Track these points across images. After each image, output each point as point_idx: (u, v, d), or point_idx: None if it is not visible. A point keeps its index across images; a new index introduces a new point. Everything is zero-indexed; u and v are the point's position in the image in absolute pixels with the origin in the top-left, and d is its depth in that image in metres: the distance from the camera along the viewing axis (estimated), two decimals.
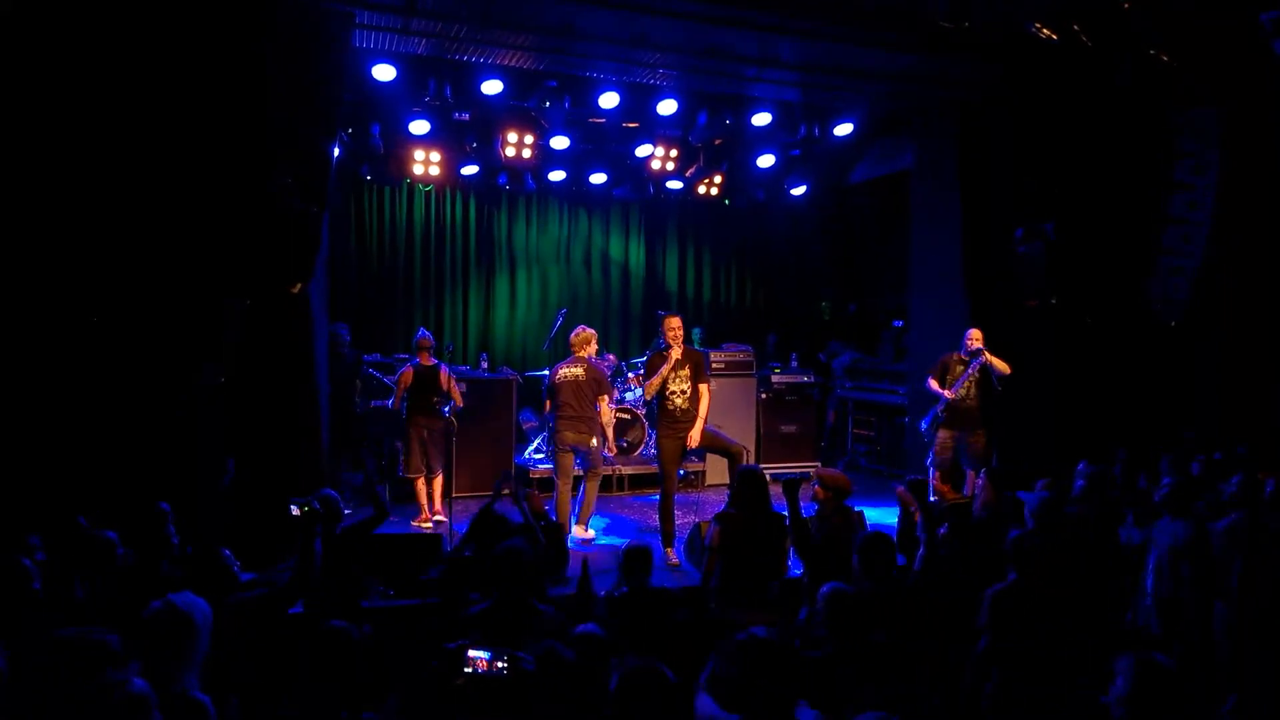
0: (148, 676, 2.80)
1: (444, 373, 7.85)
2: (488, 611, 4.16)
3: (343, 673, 3.10)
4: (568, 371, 7.55)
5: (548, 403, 7.93)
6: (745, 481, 5.56)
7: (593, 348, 7.76)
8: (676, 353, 7.02)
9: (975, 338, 7.71)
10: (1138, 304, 8.30)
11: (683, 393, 7.03)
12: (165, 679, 2.93)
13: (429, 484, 7.98)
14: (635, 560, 4.66)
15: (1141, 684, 2.84)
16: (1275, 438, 6.90)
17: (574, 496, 7.66)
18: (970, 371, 7.68)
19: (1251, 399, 7.48)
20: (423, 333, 8.24)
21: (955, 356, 7.85)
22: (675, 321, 7.19)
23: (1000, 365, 7.61)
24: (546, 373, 8.24)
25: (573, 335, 7.77)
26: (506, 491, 5.72)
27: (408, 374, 7.91)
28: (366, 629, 3.40)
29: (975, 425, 7.74)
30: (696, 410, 7.08)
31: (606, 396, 7.68)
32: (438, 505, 7.98)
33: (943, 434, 7.79)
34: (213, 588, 3.73)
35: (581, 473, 7.74)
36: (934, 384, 7.86)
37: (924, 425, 8.03)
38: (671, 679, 2.98)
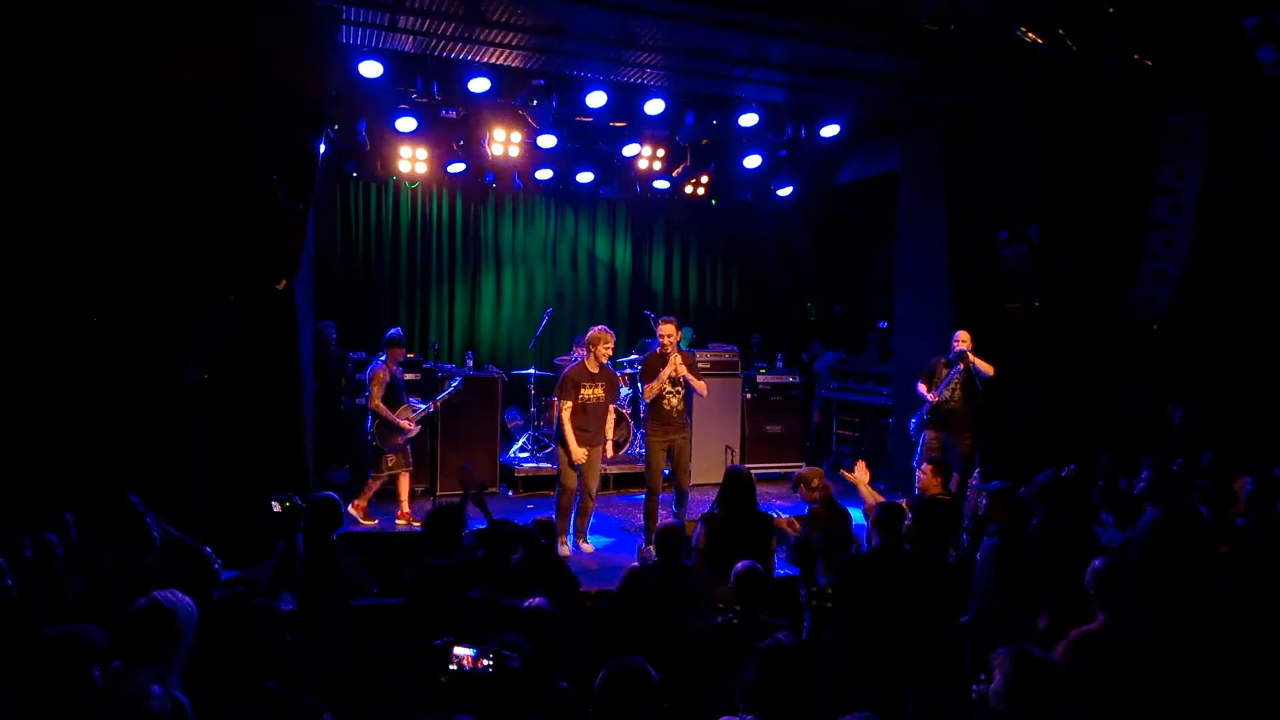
0: (128, 675, 2.78)
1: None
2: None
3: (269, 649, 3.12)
4: None
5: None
6: (731, 482, 5.57)
7: (599, 349, 7.13)
8: (677, 358, 7.07)
9: (961, 339, 7.72)
10: (1121, 307, 8.36)
11: (676, 393, 7.15)
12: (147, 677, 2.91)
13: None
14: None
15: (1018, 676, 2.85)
16: (1263, 437, 6.94)
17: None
18: (952, 376, 7.71)
19: (1240, 401, 7.53)
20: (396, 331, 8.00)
21: (942, 360, 7.90)
22: (670, 328, 7.20)
23: (984, 366, 7.64)
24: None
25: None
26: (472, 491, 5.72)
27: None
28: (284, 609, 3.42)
29: (962, 428, 7.78)
30: (689, 415, 7.32)
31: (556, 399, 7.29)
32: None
33: (929, 434, 7.84)
34: (193, 586, 3.71)
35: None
36: (922, 387, 7.91)
37: (912, 425, 8.10)
38: (655, 678, 2.99)
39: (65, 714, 2.63)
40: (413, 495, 8.02)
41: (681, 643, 4.08)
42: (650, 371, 7.18)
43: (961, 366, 7.65)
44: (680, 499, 7.36)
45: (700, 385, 7.27)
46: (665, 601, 4.61)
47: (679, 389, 7.18)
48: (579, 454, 7.01)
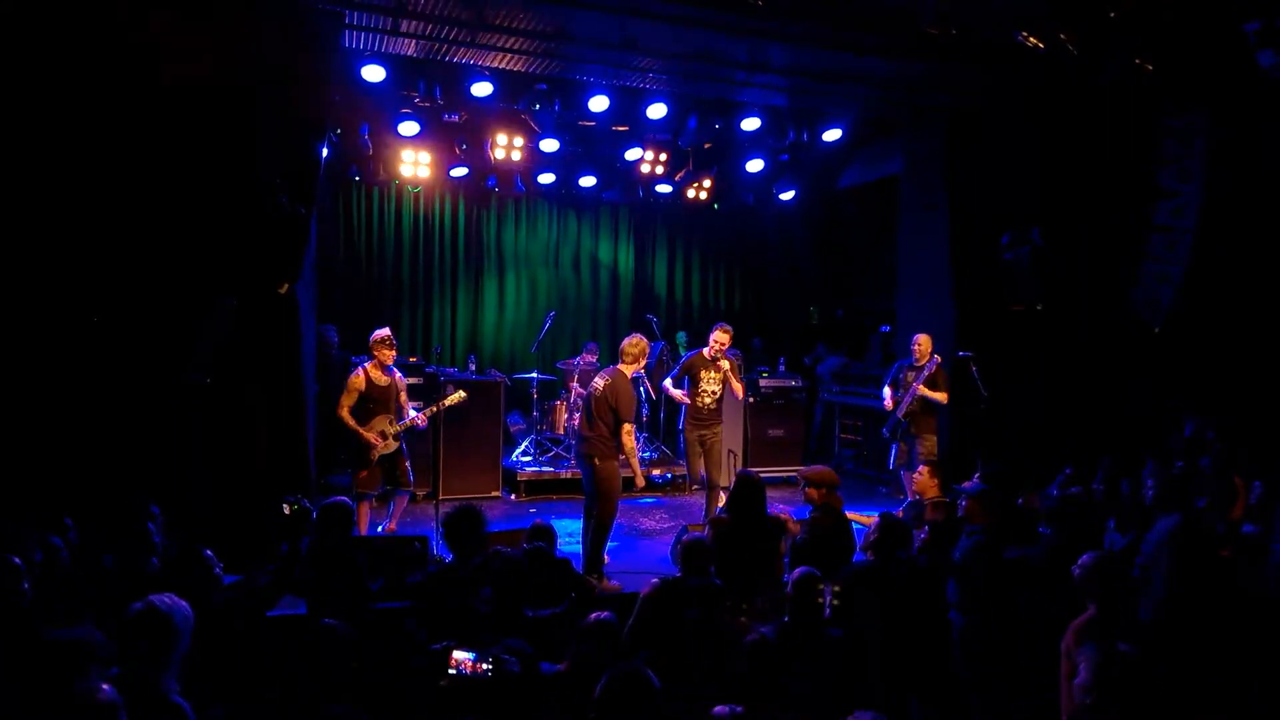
0: (127, 678, 2.78)
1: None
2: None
3: (334, 668, 3.10)
4: (596, 380, 6.66)
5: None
6: (742, 486, 5.60)
7: (645, 361, 6.79)
8: (725, 363, 7.39)
9: (919, 344, 7.88)
10: (1123, 309, 8.35)
11: (713, 393, 7.44)
12: (144, 681, 2.91)
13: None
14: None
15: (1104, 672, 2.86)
16: (1264, 440, 6.92)
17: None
18: (914, 391, 7.81)
19: (1242, 403, 7.52)
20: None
21: (908, 365, 8.05)
22: (726, 336, 7.45)
23: (939, 396, 7.76)
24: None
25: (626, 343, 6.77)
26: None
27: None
28: (347, 629, 3.39)
29: (926, 430, 7.91)
30: (721, 414, 7.54)
31: (625, 423, 6.50)
32: None
33: (900, 446, 8.03)
34: (195, 589, 3.71)
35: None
36: (887, 394, 8.09)
37: (885, 432, 8.25)
38: (655, 684, 2.98)
39: (57, 715, 2.63)
40: (413, 499, 7.87)
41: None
42: (689, 370, 7.45)
43: (926, 374, 7.78)
44: (710, 492, 7.47)
45: (738, 387, 7.66)
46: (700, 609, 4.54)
47: (716, 390, 7.47)
48: (642, 480, 7.01)
